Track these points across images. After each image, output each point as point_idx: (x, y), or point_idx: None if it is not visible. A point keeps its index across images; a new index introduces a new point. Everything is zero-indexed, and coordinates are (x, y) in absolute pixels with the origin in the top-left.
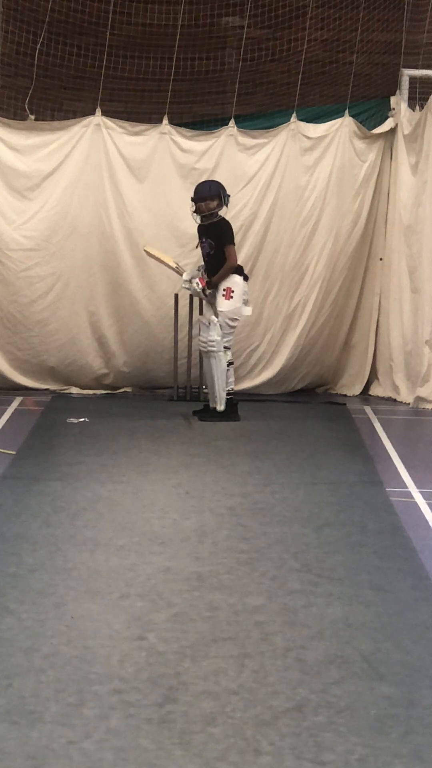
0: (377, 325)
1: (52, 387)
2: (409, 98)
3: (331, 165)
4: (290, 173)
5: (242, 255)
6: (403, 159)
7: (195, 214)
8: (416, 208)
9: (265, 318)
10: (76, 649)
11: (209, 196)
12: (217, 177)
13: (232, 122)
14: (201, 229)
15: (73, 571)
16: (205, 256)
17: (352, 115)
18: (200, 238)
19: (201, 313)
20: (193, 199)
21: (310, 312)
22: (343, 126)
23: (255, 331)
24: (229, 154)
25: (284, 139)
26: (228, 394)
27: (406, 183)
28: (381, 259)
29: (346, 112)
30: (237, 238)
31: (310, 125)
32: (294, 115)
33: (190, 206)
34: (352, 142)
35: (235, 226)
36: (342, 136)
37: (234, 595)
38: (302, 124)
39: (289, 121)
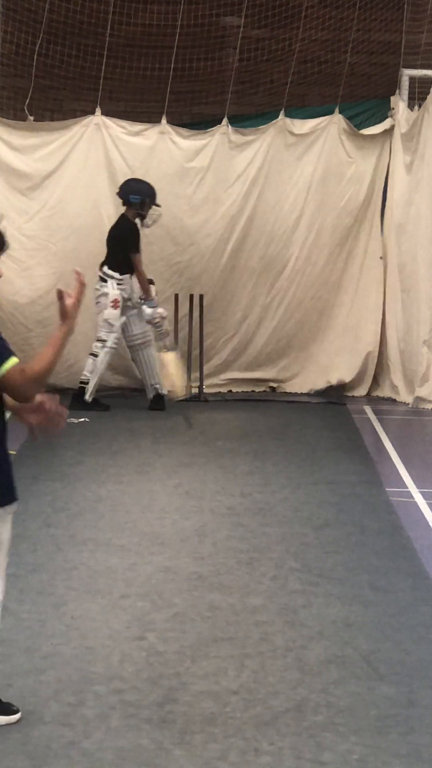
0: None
1: (53, 387)
2: (409, 98)
3: (316, 161)
4: (274, 168)
5: (228, 249)
6: (399, 158)
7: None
8: (409, 206)
9: (243, 308)
10: (76, 649)
11: None
12: (210, 175)
13: (225, 120)
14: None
15: (73, 571)
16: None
17: (352, 116)
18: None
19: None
20: (157, 203)
21: (288, 305)
22: (332, 123)
23: (230, 321)
24: (222, 153)
25: (271, 136)
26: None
27: (400, 182)
28: (381, 257)
29: (336, 109)
30: (225, 235)
31: (297, 121)
32: (282, 112)
33: (153, 210)
34: (341, 139)
35: (224, 223)
36: (330, 133)
37: (234, 595)
38: (289, 120)
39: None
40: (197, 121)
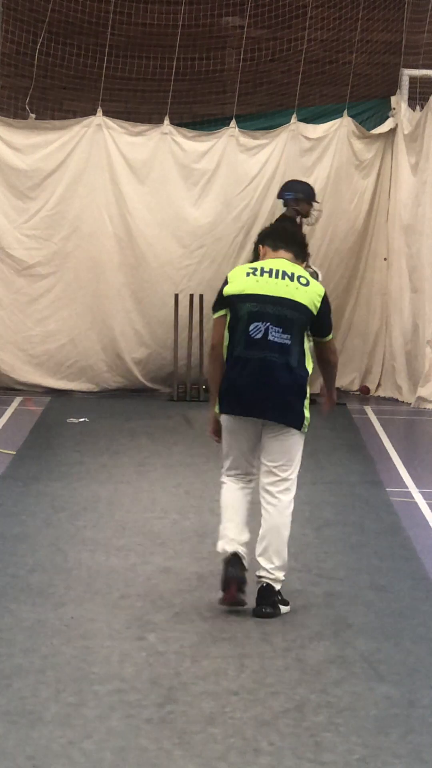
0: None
1: (53, 386)
2: (410, 98)
3: (330, 165)
4: (290, 174)
5: (243, 255)
6: (403, 159)
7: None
8: (416, 207)
9: None
10: (76, 649)
11: None
12: (218, 178)
13: (233, 123)
14: None
15: (73, 571)
16: None
17: (352, 115)
18: None
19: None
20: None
21: None
22: (342, 126)
23: None
24: (230, 155)
25: (284, 140)
26: None
27: (406, 182)
28: (385, 259)
29: (345, 112)
30: (238, 239)
31: (310, 126)
32: (294, 115)
33: (313, 209)
34: (350, 142)
35: (236, 227)
36: (341, 137)
37: None
38: (302, 125)
39: (290, 121)
40: (198, 121)
